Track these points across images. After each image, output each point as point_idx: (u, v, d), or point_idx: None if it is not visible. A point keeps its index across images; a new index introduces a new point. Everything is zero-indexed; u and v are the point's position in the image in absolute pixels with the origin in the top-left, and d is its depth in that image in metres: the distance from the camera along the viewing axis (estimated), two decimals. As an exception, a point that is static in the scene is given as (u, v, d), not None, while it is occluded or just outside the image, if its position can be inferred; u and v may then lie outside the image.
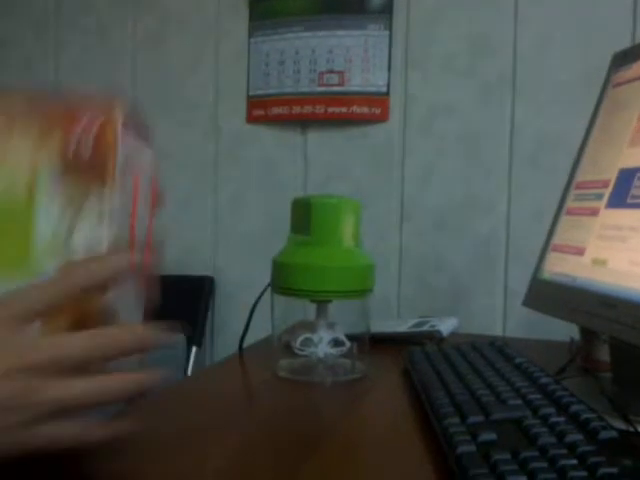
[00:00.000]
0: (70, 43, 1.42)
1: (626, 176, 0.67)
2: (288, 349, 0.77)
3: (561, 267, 0.74)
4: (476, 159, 1.17)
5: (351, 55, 1.23)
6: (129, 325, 0.45)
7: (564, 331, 0.90)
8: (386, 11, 1.22)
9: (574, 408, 0.52)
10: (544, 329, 0.96)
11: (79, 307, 0.42)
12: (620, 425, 0.53)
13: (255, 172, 1.31)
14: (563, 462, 0.42)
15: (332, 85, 1.24)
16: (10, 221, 0.45)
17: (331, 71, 1.24)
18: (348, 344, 0.77)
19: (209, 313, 1.27)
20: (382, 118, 1.22)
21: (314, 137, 1.27)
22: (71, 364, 0.38)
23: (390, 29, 1.21)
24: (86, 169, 0.47)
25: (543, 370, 0.65)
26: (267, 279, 0.90)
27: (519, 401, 0.56)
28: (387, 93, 1.22)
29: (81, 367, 0.39)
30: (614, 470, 0.40)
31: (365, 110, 1.23)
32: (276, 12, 1.28)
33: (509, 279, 1.14)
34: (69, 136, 0.46)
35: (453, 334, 0.99)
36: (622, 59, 0.77)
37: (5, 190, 0.45)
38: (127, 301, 0.48)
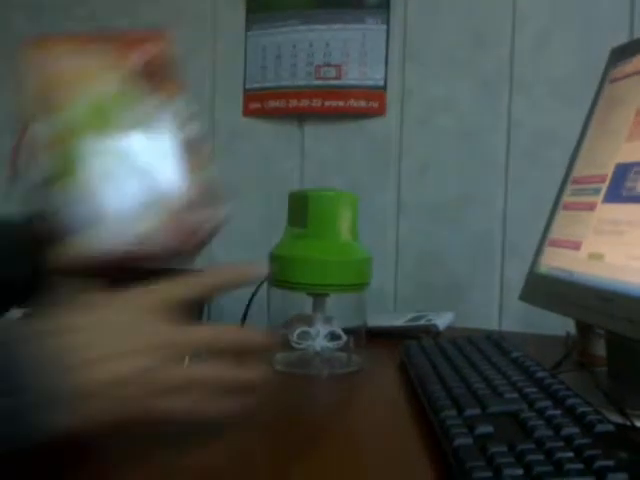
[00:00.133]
0: (65, 31, 1.41)
1: (623, 171, 0.67)
2: (285, 342, 0.77)
3: (558, 261, 0.74)
4: (473, 154, 1.17)
5: (348, 49, 1.23)
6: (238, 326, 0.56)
7: (560, 325, 0.91)
8: (383, 5, 1.21)
9: (570, 401, 0.52)
10: (540, 324, 0.96)
11: None
12: (616, 419, 0.53)
13: (252, 165, 1.31)
14: (559, 455, 0.42)
15: (329, 79, 1.24)
16: (105, 118, 0.56)
17: (328, 65, 1.24)
18: (345, 338, 0.77)
19: (205, 306, 1.26)
20: (379, 112, 1.22)
21: (311, 131, 1.27)
22: (195, 350, 0.46)
23: (387, 23, 1.21)
24: (155, 83, 0.59)
25: (539, 364, 0.65)
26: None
27: (515, 394, 0.56)
28: (384, 87, 1.22)
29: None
30: (610, 463, 0.40)
31: (362, 104, 1.22)
32: (273, 5, 1.28)
33: (506, 274, 1.15)
34: (139, 56, 0.59)
35: (449, 328, 0.99)
36: (620, 54, 0.77)
37: (100, 96, 0.56)
38: None
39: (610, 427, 0.47)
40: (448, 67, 1.18)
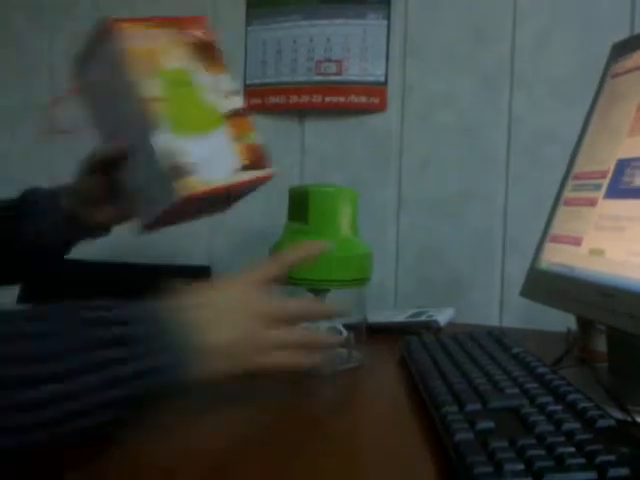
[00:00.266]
0: (65, 29, 1.41)
1: (624, 166, 0.67)
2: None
3: (559, 257, 0.74)
4: (474, 150, 1.16)
5: (349, 44, 1.23)
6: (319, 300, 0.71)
7: (561, 322, 0.90)
8: (384, 0, 1.21)
9: (571, 397, 0.52)
10: (541, 320, 0.96)
11: None
12: (617, 414, 0.53)
13: (252, 161, 1.30)
14: (561, 450, 0.42)
15: (330, 74, 1.24)
16: (188, 92, 0.72)
17: (329, 60, 1.24)
18: (345, 333, 0.77)
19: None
20: (380, 108, 1.22)
21: (311, 126, 1.27)
22: (288, 318, 0.58)
23: (388, 18, 1.20)
24: (208, 61, 0.75)
25: (540, 360, 0.65)
26: (264, 268, 0.90)
27: (516, 390, 0.56)
28: (385, 83, 1.21)
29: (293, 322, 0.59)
30: (612, 458, 0.40)
31: (363, 100, 1.22)
32: (273, 1, 1.28)
33: (506, 270, 1.14)
34: (194, 36, 0.76)
35: (450, 324, 0.99)
36: (621, 49, 0.77)
37: (177, 70, 0.72)
38: None
39: (611, 422, 0.47)
40: (449, 63, 1.18)
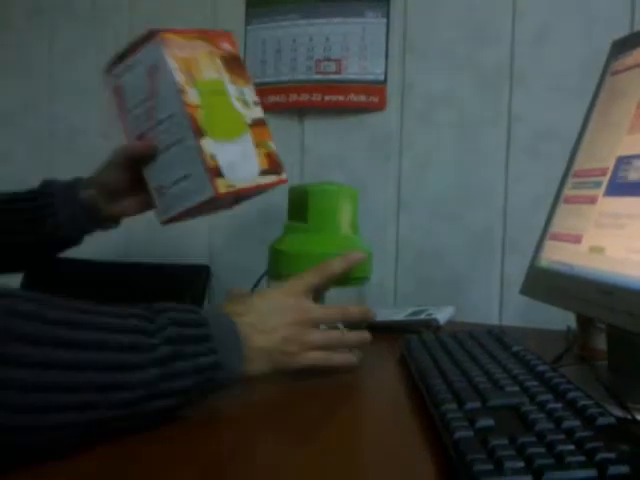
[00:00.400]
0: (65, 29, 1.41)
1: (624, 164, 0.67)
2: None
3: (559, 255, 0.74)
4: (473, 148, 1.16)
5: (348, 43, 1.23)
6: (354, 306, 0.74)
7: (561, 319, 0.90)
8: (384, -1, 1.21)
9: (571, 395, 0.52)
10: (541, 318, 0.96)
11: None
12: (617, 412, 0.53)
13: (252, 160, 1.30)
14: (561, 447, 0.42)
15: (329, 73, 1.23)
16: (221, 100, 0.80)
17: (328, 59, 1.24)
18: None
19: (205, 301, 1.26)
20: (379, 106, 1.21)
21: (311, 125, 1.27)
22: (326, 323, 0.68)
23: (387, 17, 1.20)
24: (235, 72, 0.83)
25: (540, 358, 0.65)
26: (264, 266, 0.90)
27: (516, 388, 0.56)
28: (384, 81, 1.21)
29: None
30: (612, 455, 0.40)
31: (362, 98, 1.22)
32: (273, 0, 1.28)
33: (506, 269, 1.14)
34: (224, 49, 0.83)
35: (450, 323, 0.99)
36: (621, 46, 0.77)
37: (212, 80, 0.80)
38: None
39: (611, 420, 0.47)
40: (448, 61, 1.18)
